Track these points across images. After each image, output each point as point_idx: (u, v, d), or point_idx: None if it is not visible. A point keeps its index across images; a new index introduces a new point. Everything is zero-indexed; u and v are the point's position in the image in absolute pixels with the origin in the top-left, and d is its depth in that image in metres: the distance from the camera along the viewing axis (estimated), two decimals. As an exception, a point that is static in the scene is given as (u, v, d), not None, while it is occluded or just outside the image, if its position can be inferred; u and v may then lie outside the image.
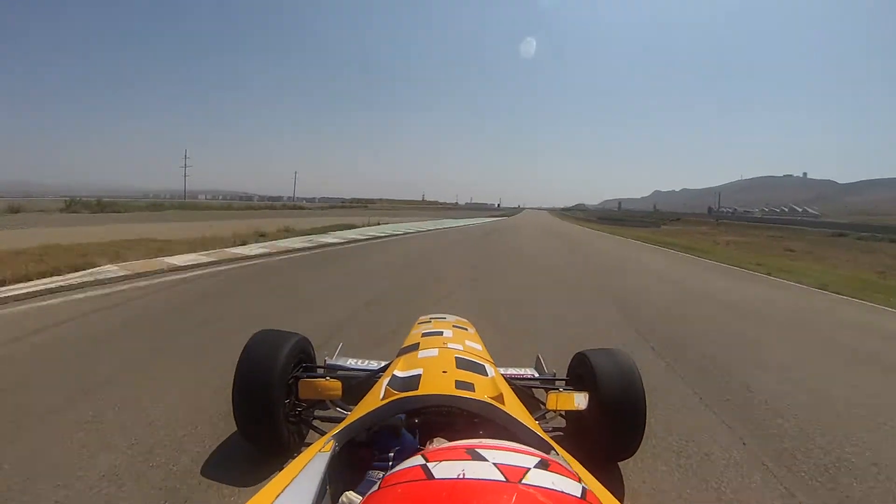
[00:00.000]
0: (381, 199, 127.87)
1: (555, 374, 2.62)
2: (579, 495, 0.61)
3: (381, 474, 0.90)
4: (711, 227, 46.82)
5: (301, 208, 57.74)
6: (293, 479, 0.89)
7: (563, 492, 0.60)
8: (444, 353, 1.73)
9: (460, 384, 1.37)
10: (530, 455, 0.68)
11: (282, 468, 0.96)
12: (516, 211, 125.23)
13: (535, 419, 1.77)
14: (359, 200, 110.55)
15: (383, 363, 2.33)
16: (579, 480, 0.66)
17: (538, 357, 2.87)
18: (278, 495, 0.83)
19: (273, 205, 62.30)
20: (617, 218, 69.11)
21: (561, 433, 2.17)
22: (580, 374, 2.25)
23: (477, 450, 0.67)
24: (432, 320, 2.45)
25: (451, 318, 2.52)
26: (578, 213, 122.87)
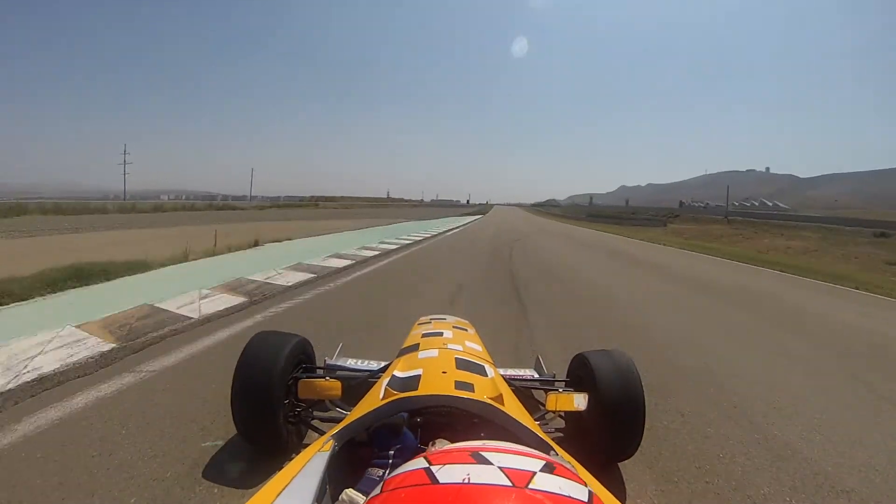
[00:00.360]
0: (342, 197, 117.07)
1: (554, 375, 2.64)
2: (586, 500, 0.61)
3: (381, 472, 0.97)
4: (729, 227, 39.30)
5: (233, 208, 48.65)
6: (293, 478, 0.88)
7: (570, 496, 0.60)
8: (444, 354, 1.72)
9: (460, 385, 1.36)
10: (536, 458, 0.67)
11: (281, 468, 0.94)
12: (487, 207, 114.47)
13: (535, 420, 1.73)
14: (319, 198, 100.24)
15: (383, 363, 2.37)
16: (585, 484, 0.65)
17: (537, 358, 2.97)
18: (278, 495, 0.82)
19: (195, 205, 50.74)
20: (608, 215, 59.56)
21: (560, 434, 2.16)
22: (579, 375, 2.22)
23: (481, 453, 0.67)
24: (432, 321, 2.42)
25: (451, 319, 2.51)
26: (555, 210, 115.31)
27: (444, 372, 1.49)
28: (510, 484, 0.58)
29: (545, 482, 0.60)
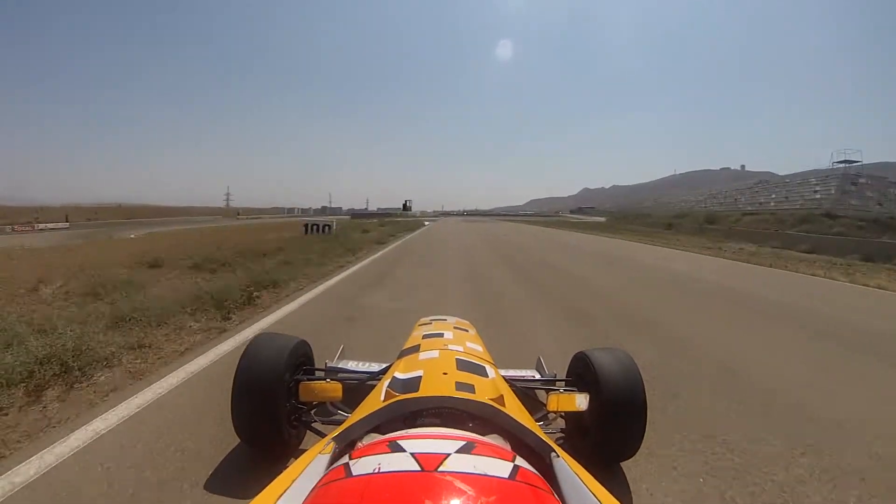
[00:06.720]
0: (138, 206, 72.20)
1: (555, 375, 2.79)
2: (507, 476, 0.63)
3: None
4: None
5: None
6: (294, 481, 0.91)
7: (485, 475, 0.63)
8: (445, 355, 1.79)
9: (461, 386, 1.42)
10: (454, 439, 0.72)
11: (282, 471, 0.99)
12: (414, 226, 46.67)
13: (536, 420, 1.84)
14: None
15: (384, 365, 2.51)
16: (512, 459, 0.68)
17: (539, 359, 3.17)
18: (279, 497, 0.85)
19: None
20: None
21: (562, 434, 2.29)
22: (581, 374, 2.35)
23: (398, 441, 0.72)
24: (433, 322, 2.54)
25: (452, 320, 2.61)
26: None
27: (444, 373, 1.54)
28: (419, 469, 0.62)
29: (458, 463, 0.64)
